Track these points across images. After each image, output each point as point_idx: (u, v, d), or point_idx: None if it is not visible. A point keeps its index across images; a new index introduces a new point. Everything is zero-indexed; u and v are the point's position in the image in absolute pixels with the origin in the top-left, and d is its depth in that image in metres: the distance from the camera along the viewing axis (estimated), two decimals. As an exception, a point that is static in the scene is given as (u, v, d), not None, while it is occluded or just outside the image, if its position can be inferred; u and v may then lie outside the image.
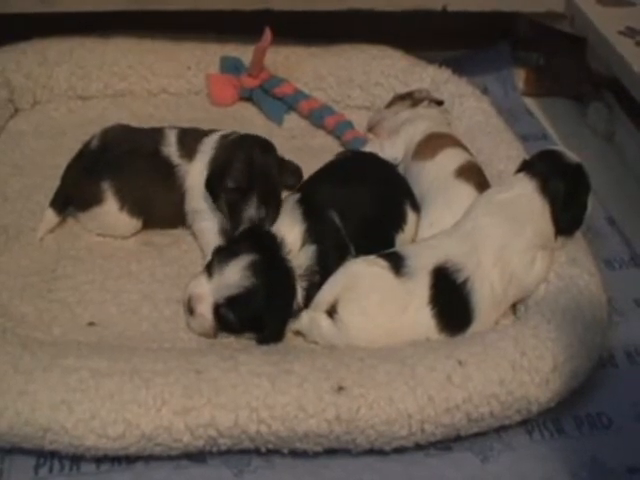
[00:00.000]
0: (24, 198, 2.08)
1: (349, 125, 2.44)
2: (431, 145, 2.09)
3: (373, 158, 2.12)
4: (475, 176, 1.99)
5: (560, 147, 1.92)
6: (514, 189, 1.82)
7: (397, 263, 1.72)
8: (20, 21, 2.40)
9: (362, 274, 1.72)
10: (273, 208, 1.84)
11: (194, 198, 1.97)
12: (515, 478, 1.56)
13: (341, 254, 1.79)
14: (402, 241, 1.92)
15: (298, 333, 1.77)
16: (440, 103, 2.34)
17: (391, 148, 2.18)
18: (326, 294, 1.73)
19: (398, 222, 1.93)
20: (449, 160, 2.03)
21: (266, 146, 1.92)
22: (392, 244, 1.89)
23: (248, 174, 1.84)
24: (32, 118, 2.45)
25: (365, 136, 2.38)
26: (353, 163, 2.06)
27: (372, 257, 1.75)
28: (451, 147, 2.08)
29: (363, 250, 1.80)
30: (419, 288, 1.70)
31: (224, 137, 2.00)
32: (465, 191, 1.94)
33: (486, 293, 1.74)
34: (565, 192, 1.79)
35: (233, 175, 1.85)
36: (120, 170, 1.96)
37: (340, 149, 2.36)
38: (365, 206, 1.88)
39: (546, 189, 1.79)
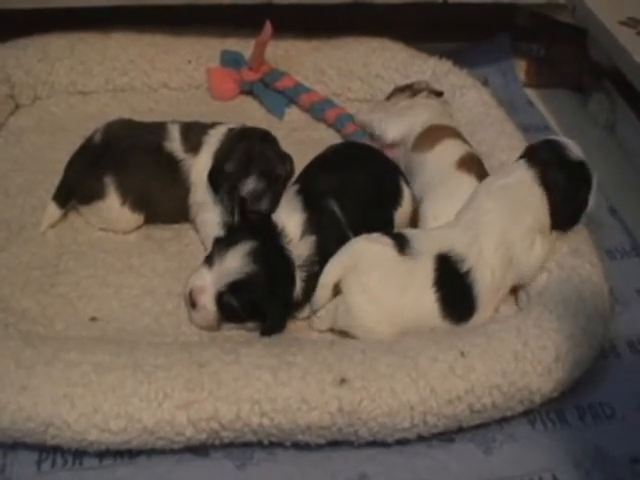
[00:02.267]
0: (25, 193, 2.08)
1: (350, 118, 2.43)
2: (431, 137, 2.09)
3: (361, 145, 2.16)
4: (476, 167, 1.99)
5: (565, 139, 1.90)
6: (513, 175, 1.83)
7: (402, 242, 1.73)
8: (20, 17, 2.39)
9: (363, 251, 1.72)
10: (272, 190, 1.86)
11: (198, 191, 1.97)
12: (518, 469, 1.56)
13: (340, 245, 1.78)
14: (400, 216, 1.94)
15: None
16: (439, 94, 2.33)
17: (393, 124, 2.20)
18: (329, 275, 1.73)
19: (395, 199, 1.95)
20: (449, 151, 2.03)
21: (267, 136, 1.95)
22: (392, 224, 1.92)
23: (247, 158, 1.87)
24: (33, 114, 2.44)
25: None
26: (344, 152, 2.08)
27: (375, 235, 1.76)
28: (450, 138, 2.08)
29: (366, 230, 1.80)
30: (423, 270, 1.71)
31: (231, 130, 2.00)
32: (466, 182, 1.93)
33: (487, 281, 1.74)
34: (563, 185, 1.80)
35: (232, 160, 1.87)
36: (123, 165, 1.96)
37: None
38: (362, 189, 1.89)
39: (544, 179, 1.79)
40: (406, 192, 1.98)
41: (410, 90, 2.32)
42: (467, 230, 1.77)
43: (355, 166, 1.95)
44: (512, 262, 1.77)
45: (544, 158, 1.82)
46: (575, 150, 1.85)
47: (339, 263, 1.73)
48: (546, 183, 1.79)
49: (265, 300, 1.70)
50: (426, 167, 2.03)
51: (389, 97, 2.39)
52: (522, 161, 1.84)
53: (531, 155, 1.85)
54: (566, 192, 1.80)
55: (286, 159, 1.95)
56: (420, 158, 2.07)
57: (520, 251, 1.77)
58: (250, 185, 1.84)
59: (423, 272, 1.71)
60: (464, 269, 1.73)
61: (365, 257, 1.72)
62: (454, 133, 2.12)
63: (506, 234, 1.76)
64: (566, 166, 1.82)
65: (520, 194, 1.80)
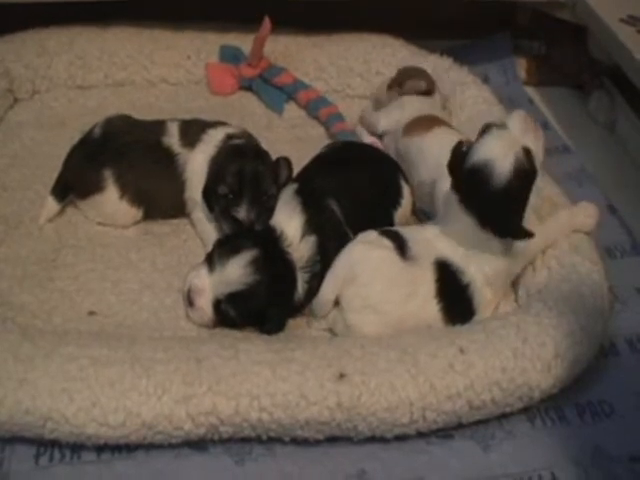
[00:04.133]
0: (24, 188, 2.08)
1: (339, 117, 2.43)
2: (423, 123, 2.11)
3: (360, 144, 2.18)
4: None
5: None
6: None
7: (401, 244, 1.71)
8: (19, 11, 2.39)
9: (362, 260, 1.70)
10: (264, 211, 1.84)
11: (193, 187, 1.97)
12: (517, 466, 1.55)
13: (340, 243, 1.78)
14: (399, 214, 1.96)
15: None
16: (427, 92, 2.31)
17: (383, 114, 2.25)
18: (328, 293, 1.71)
19: (395, 198, 1.96)
20: (449, 132, 2.06)
21: (258, 154, 1.92)
22: (392, 222, 1.92)
23: (238, 181, 1.85)
24: (32, 108, 2.45)
25: (352, 130, 2.37)
26: (343, 150, 2.08)
27: (373, 235, 1.74)
28: (444, 126, 2.12)
29: (365, 228, 1.79)
30: (425, 278, 1.70)
31: (229, 137, 1.99)
32: None
33: (488, 296, 1.76)
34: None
35: (224, 183, 1.86)
36: (121, 159, 1.96)
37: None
38: (362, 189, 1.90)
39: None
40: (406, 191, 1.99)
41: (398, 87, 2.32)
42: (457, 245, 1.74)
43: (354, 165, 1.95)
44: (511, 272, 1.80)
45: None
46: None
47: (339, 276, 1.71)
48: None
49: (265, 309, 1.70)
50: (431, 147, 2.02)
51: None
52: None
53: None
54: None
55: (281, 166, 1.92)
56: (418, 142, 2.08)
57: (514, 263, 1.79)
58: (243, 211, 1.83)
59: (426, 280, 1.71)
60: (464, 281, 1.73)
61: (365, 267, 1.69)
62: (445, 123, 2.16)
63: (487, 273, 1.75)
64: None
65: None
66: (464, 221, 1.69)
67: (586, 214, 1.88)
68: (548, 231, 1.83)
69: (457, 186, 1.70)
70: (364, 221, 1.83)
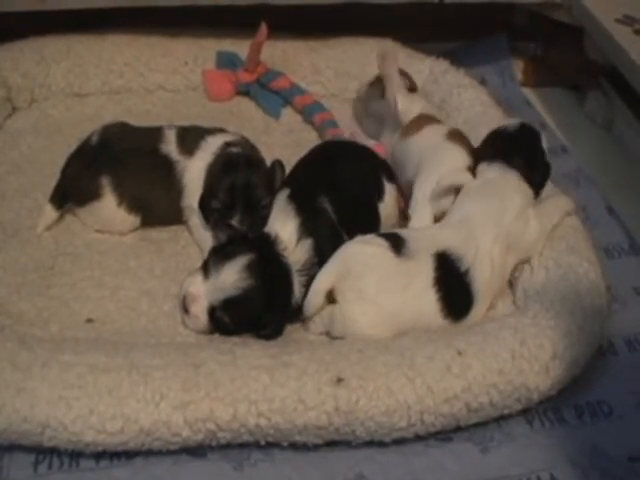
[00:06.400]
0: (22, 196, 2.08)
1: (333, 123, 2.42)
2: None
3: (344, 142, 2.17)
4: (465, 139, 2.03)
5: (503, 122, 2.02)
6: (486, 175, 1.88)
7: (397, 243, 1.72)
8: (17, 20, 2.39)
9: (356, 255, 1.71)
10: (258, 221, 1.85)
11: (190, 195, 1.97)
12: (516, 468, 1.55)
13: (336, 244, 1.77)
14: (383, 211, 1.94)
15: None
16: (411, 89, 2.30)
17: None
18: (321, 283, 1.71)
19: (379, 191, 1.95)
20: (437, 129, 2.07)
21: (251, 164, 1.92)
22: (378, 216, 1.92)
23: (230, 195, 1.86)
24: (30, 116, 2.44)
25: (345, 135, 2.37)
26: (327, 150, 2.07)
27: (369, 236, 1.75)
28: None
29: (356, 225, 1.82)
30: (423, 269, 1.71)
31: (227, 145, 1.99)
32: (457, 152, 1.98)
33: (487, 274, 1.75)
34: (526, 158, 1.89)
35: (216, 197, 1.87)
36: (119, 166, 1.96)
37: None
38: (349, 185, 1.89)
39: (510, 165, 1.87)
40: (388, 186, 1.99)
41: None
42: (459, 230, 1.77)
43: (340, 163, 1.95)
44: (510, 246, 1.79)
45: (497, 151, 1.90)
46: (512, 121, 1.98)
47: (331, 270, 1.71)
48: (513, 167, 1.87)
49: (261, 315, 1.70)
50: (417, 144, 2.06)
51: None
52: (484, 165, 1.90)
53: (485, 156, 1.92)
54: (530, 159, 1.88)
55: (276, 170, 1.94)
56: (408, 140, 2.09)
57: (517, 234, 1.80)
58: (237, 223, 1.85)
59: (423, 272, 1.71)
60: (463, 268, 1.73)
61: (358, 261, 1.70)
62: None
63: (500, 226, 1.77)
64: (518, 143, 1.91)
65: (500, 184, 1.85)
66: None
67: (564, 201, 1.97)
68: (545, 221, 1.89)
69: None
70: (354, 217, 1.85)
